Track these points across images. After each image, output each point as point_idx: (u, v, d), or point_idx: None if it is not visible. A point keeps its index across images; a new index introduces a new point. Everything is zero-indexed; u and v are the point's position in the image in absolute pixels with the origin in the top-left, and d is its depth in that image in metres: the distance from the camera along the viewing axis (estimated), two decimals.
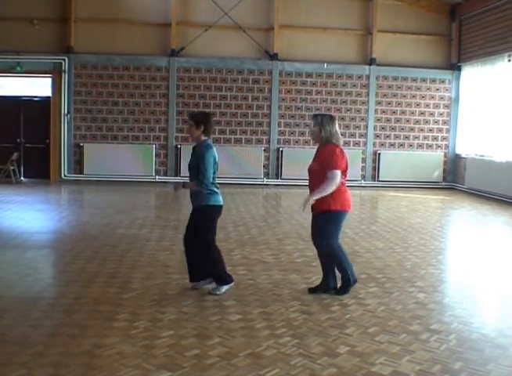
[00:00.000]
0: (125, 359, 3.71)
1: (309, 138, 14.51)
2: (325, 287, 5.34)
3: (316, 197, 4.99)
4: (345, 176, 5.16)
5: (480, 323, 4.68)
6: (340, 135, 5.23)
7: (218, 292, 5.15)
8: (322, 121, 5.16)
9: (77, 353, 3.79)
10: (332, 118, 5.25)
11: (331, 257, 5.27)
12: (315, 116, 5.35)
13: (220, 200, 5.16)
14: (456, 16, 14.67)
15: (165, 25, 14.09)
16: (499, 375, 3.68)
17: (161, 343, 4.01)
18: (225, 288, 5.19)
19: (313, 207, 5.17)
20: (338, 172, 5.02)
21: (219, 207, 5.18)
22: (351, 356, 3.88)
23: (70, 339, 4.03)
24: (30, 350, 3.80)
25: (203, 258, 5.17)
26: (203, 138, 5.11)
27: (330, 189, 4.99)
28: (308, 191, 5.25)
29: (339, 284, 5.36)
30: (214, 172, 5.10)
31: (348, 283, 5.31)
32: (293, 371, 3.63)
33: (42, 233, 8.06)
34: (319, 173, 5.09)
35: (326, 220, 5.15)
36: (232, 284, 5.26)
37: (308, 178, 5.30)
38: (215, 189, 5.12)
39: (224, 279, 5.22)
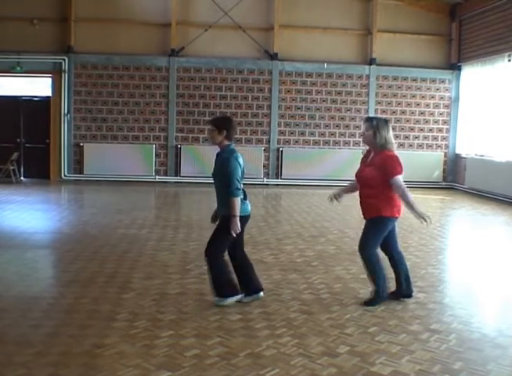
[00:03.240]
0: (125, 359, 3.71)
1: (309, 138, 14.58)
2: (397, 294, 5.15)
3: (417, 209, 4.82)
4: None
5: (480, 323, 4.68)
6: (393, 141, 4.95)
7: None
8: (378, 125, 4.85)
9: (77, 353, 3.79)
10: (387, 123, 4.93)
11: (365, 263, 5.01)
12: (369, 119, 5.01)
13: (247, 209, 4.85)
14: (456, 16, 14.67)
15: (165, 25, 14.08)
16: (499, 375, 3.68)
17: (161, 343, 4.01)
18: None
19: (364, 214, 5.01)
20: (401, 178, 4.85)
21: (245, 218, 4.82)
22: (351, 356, 3.88)
23: (70, 339, 4.03)
24: (30, 350, 3.80)
25: (209, 268, 4.89)
26: (226, 143, 4.78)
27: (409, 194, 4.84)
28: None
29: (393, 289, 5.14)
30: (241, 178, 4.75)
31: (378, 296, 5.00)
32: (293, 371, 3.63)
33: (42, 233, 8.06)
34: (376, 180, 4.86)
35: (373, 225, 4.95)
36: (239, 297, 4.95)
37: (358, 183, 5.07)
38: (242, 197, 4.76)
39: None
